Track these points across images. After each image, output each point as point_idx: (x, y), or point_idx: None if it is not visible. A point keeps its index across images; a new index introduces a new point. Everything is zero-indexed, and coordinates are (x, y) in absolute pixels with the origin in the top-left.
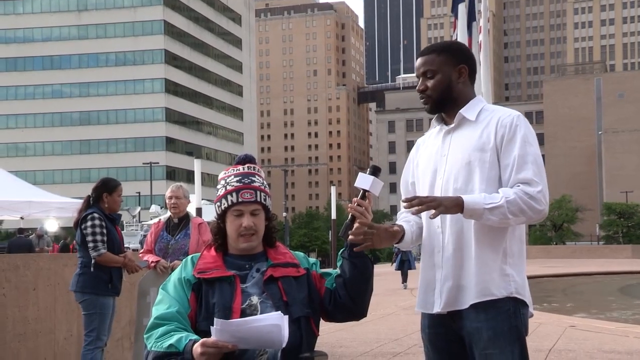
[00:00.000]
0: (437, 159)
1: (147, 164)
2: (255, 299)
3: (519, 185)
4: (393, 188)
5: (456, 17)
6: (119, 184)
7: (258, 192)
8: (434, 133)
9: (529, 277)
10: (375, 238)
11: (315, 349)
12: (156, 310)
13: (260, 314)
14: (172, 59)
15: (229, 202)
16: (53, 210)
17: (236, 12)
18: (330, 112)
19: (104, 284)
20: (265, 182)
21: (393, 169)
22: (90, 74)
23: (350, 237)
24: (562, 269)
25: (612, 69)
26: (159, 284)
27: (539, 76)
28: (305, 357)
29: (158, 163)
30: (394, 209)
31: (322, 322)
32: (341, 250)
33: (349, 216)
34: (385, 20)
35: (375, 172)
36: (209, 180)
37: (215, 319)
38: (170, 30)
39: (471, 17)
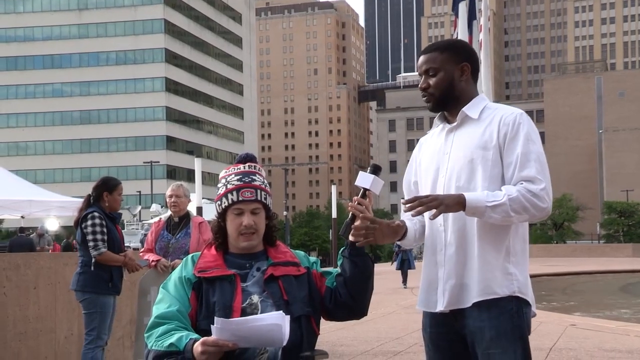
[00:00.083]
0: (440, 157)
1: (148, 162)
2: (255, 298)
3: (522, 183)
4: (393, 187)
5: (457, 15)
6: (120, 182)
7: (258, 191)
8: (437, 131)
9: (530, 276)
10: (378, 233)
11: (315, 348)
12: (157, 309)
13: (261, 312)
14: (172, 58)
15: (230, 201)
16: (54, 209)
17: (237, 10)
18: (331, 111)
19: (104, 283)
20: (265, 181)
21: (393, 167)
22: (91, 72)
23: (351, 237)
24: (562, 268)
25: (612, 67)
26: (159, 283)
27: (540, 75)
28: (306, 356)
29: (158, 162)
30: (395, 208)
31: (322, 321)
32: (342, 249)
33: (350, 215)
34: (386, 19)
35: (376, 171)
36: (210, 179)
37: (215, 318)
38: (171, 29)
39: (472, 15)
